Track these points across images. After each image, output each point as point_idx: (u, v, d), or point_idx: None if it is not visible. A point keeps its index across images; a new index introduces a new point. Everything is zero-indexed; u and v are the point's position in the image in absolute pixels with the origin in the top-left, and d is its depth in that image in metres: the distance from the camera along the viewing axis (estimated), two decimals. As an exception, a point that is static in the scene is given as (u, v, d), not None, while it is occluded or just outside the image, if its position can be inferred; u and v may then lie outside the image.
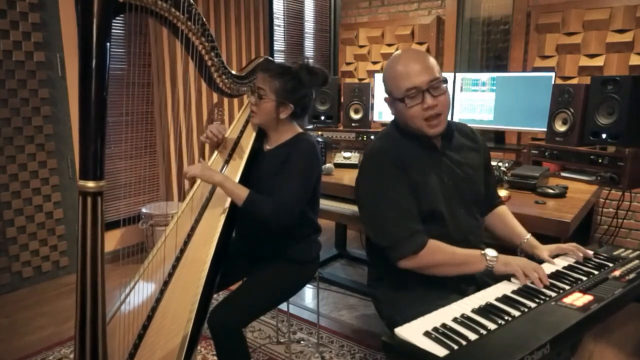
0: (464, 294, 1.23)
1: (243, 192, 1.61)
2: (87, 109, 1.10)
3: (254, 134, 1.80)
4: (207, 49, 1.52)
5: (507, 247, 1.60)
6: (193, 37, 1.46)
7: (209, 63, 1.57)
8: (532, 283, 1.25)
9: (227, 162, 1.79)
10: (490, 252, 1.37)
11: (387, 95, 1.51)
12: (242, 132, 1.86)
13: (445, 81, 1.42)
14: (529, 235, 1.56)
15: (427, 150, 1.49)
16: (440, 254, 1.40)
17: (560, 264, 1.39)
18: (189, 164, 3.71)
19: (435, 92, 1.39)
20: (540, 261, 1.42)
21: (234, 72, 1.71)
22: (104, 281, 1.17)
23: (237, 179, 1.68)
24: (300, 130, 1.80)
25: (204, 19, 1.46)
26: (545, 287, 1.23)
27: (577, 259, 1.41)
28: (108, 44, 1.10)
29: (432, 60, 1.42)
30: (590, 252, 1.44)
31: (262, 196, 1.63)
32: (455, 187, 1.50)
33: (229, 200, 1.64)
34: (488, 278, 1.39)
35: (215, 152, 1.85)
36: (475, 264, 1.38)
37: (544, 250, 1.48)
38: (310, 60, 1.74)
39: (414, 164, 1.45)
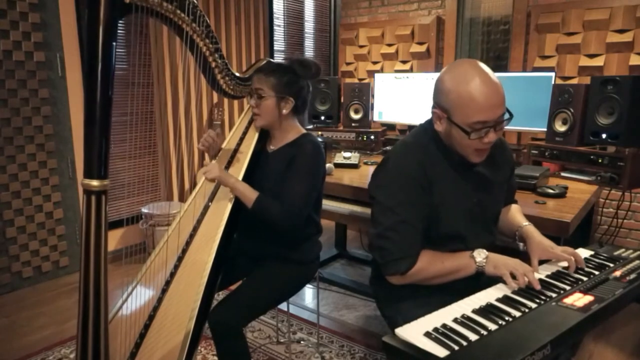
0: (467, 294, 1.22)
1: (253, 195, 1.64)
2: (92, 108, 1.11)
3: (256, 135, 1.81)
4: (211, 50, 1.53)
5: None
6: (197, 38, 1.46)
7: (213, 64, 1.58)
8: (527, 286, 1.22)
9: (229, 163, 1.80)
10: (479, 255, 1.34)
11: (438, 109, 1.35)
12: (244, 133, 1.87)
13: (510, 114, 1.32)
14: (526, 222, 1.49)
15: (457, 167, 1.41)
16: (429, 269, 1.37)
17: (543, 273, 1.32)
18: (189, 164, 3.71)
19: (498, 127, 1.31)
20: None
21: (237, 73, 1.72)
22: (106, 279, 1.17)
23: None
24: (304, 130, 1.81)
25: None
26: (546, 287, 1.22)
27: (570, 268, 1.32)
28: (114, 44, 1.10)
29: (502, 90, 1.29)
30: (583, 264, 1.35)
31: (271, 199, 1.64)
32: (479, 205, 1.45)
33: (231, 201, 1.65)
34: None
35: (217, 157, 1.85)
36: (466, 269, 1.36)
37: (536, 252, 1.39)
38: (298, 53, 1.76)
39: (441, 182, 1.39)
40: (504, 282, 1.27)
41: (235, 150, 1.82)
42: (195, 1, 1.39)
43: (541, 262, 1.38)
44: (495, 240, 1.58)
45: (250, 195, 1.64)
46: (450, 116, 1.31)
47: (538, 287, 1.21)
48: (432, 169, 1.38)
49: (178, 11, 1.34)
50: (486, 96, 1.26)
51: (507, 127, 2.85)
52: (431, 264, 1.38)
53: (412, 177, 1.37)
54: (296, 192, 1.64)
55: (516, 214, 1.60)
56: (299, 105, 1.75)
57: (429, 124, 1.45)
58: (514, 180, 1.68)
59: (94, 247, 1.13)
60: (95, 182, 1.12)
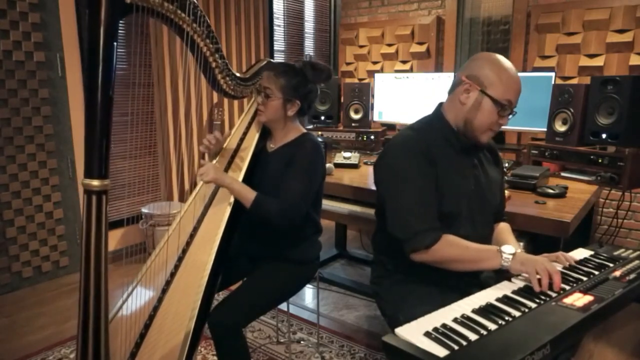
0: (468, 294, 1.22)
1: (250, 194, 1.63)
2: (93, 108, 1.11)
3: (257, 135, 1.81)
4: (211, 50, 1.52)
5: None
6: (198, 39, 1.46)
7: (214, 65, 1.57)
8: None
9: (229, 163, 1.80)
10: (507, 249, 1.33)
11: (471, 81, 1.43)
12: (245, 133, 1.87)
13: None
14: (519, 249, 1.44)
15: (457, 153, 1.50)
16: (454, 248, 1.39)
17: None
18: (189, 163, 3.71)
19: (511, 115, 1.47)
20: None
21: (238, 74, 1.72)
22: (107, 279, 1.17)
23: (240, 180, 1.68)
24: (304, 130, 1.81)
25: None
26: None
27: (563, 265, 1.36)
28: (115, 44, 1.10)
29: None
30: (574, 259, 1.39)
31: (269, 197, 1.64)
32: (478, 194, 1.51)
33: (231, 201, 1.65)
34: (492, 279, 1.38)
35: (218, 156, 1.85)
36: (490, 261, 1.35)
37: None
38: (312, 55, 1.77)
39: (443, 162, 1.46)
40: (508, 281, 1.28)
41: (237, 150, 1.82)
42: (196, 1, 1.39)
43: None
44: (490, 237, 1.60)
45: (248, 195, 1.63)
46: (485, 89, 1.42)
47: (559, 289, 1.20)
48: (435, 149, 1.46)
49: (179, 11, 1.34)
50: (518, 81, 1.43)
51: (507, 127, 2.87)
52: (456, 244, 1.40)
53: (420, 151, 1.44)
54: (294, 189, 1.64)
55: (508, 236, 1.62)
56: (304, 108, 1.76)
57: (434, 116, 1.55)
58: (503, 194, 1.72)
59: (94, 247, 1.13)
60: (95, 182, 1.12)
